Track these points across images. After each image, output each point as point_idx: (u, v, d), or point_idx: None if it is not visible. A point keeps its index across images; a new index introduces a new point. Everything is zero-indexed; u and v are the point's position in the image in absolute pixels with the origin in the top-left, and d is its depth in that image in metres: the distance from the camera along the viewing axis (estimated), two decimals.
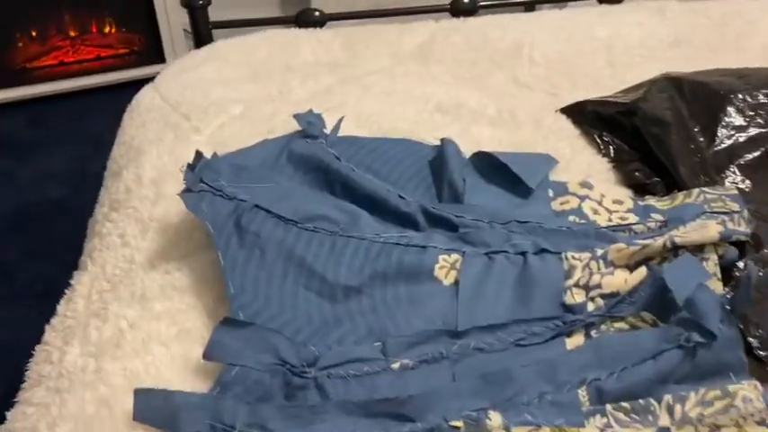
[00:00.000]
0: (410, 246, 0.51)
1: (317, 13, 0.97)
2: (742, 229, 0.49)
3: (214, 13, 1.01)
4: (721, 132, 0.63)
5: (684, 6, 0.90)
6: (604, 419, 0.41)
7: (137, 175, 0.59)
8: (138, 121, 0.69)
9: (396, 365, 0.43)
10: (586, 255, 0.49)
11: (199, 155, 0.52)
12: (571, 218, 0.55)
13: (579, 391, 0.42)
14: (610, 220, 0.54)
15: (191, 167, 0.51)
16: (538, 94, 0.76)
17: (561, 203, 0.56)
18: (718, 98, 0.64)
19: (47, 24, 1.80)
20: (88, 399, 0.41)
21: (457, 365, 0.44)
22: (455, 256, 0.50)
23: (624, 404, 0.41)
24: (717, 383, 0.41)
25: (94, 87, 1.86)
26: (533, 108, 0.71)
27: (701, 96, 0.65)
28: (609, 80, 0.77)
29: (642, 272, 0.47)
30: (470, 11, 0.99)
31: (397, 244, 0.51)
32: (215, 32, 0.99)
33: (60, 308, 0.51)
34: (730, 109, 0.63)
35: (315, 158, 0.57)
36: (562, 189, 0.58)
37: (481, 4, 1.01)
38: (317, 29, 0.90)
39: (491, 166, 0.59)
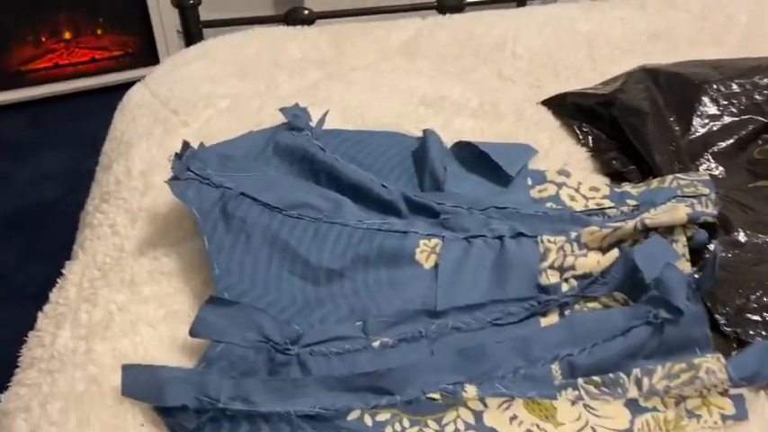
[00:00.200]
0: (392, 231, 0.53)
1: (305, 12, 0.99)
2: (709, 210, 0.50)
3: (207, 13, 1.03)
4: (696, 121, 0.64)
5: (666, 1, 0.92)
6: (576, 392, 0.42)
7: (126, 168, 0.60)
8: (129, 116, 0.71)
9: (376, 344, 0.45)
10: (561, 238, 0.51)
11: (186, 145, 0.53)
12: (548, 204, 0.56)
13: (552, 366, 0.43)
14: (586, 206, 0.56)
15: (178, 157, 0.52)
16: (520, 87, 0.77)
17: (539, 191, 0.58)
18: (694, 88, 0.66)
19: (41, 27, 1.81)
20: (78, 377, 0.43)
21: (435, 344, 0.46)
22: (435, 240, 0.52)
23: (595, 378, 0.43)
24: (683, 358, 0.43)
25: (90, 89, 1.88)
26: (515, 100, 0.72)
27: (677, 87, 0.66)
28: (590, 73, 0.78)
29: (614, 253, 0.49)
30: (457, 8, 1.01)
31: (380, 230, 0.53)
32: (206, 32, 1.00)
33: (53, 296, 0.53)
34: (705, 98, 0.65)
35: (300, 149, 0.58)
36: (541, 177, 0.59)
37: (468, 0, 1.03)
38: (305, 26, 0.91)
39: (472, 156, 0.61)
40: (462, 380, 0.42)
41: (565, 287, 0.49)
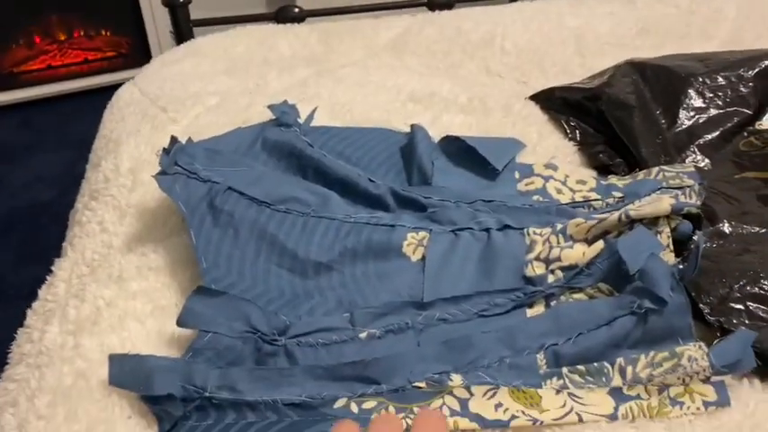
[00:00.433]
0: (379, 225, 0.53)
1: (296, 10, 0.99)
2: (693, 201, 0.51)
3: (198, 12, 1.03)
4: (682, 114, 0.65)
5: None
6: (560, 381, 0.43)
7: (115, 165, 0.60)
8: (118, 115, 0.71)
9: (363, 335, 0.45)
10: (547, 230, 0.51)
11: (174, 140, 0.53)
12: (535, 197, 0.57)
13: (537, 355, 0.44)
14: (573, 199, 0.56)
15: (166, 152, 0.52)
16: (508, 82, 0.78)
17: (526, 184, 0.58)
18: (680, 81, 0.66)
19: (34, 29, 1.81)
20: (66, 372, 0.43)
21: (422, 335, 0.46)
22: (423, 233, 0.52)
23: (580, 367, 0.43)
24: (666, 347, 0.43)
25: (83, 90, 1.88)
26: (503, 96, 0.73)
27: (664, 79, 0.67)
28: (578, 68, 0.79)
29: (599, 245, 0.49)
30: (447, 5, 1.01)
31: (367, 223, 0.53)
32: (196, 30, 1.01)
33: (42, 292, 0.53)
34: (691, 91, 0.66)
35: (288, 145, 0.59)
36: (528, 171, 0.60)
37: None
38: (295, 24, 0.92)
39: (459, 150, 0.61)
40: (448, 369, 0.43)
41: (551, 278, 0.49)
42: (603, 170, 0.63)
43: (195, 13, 1.02)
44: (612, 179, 0.58)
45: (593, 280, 0.48)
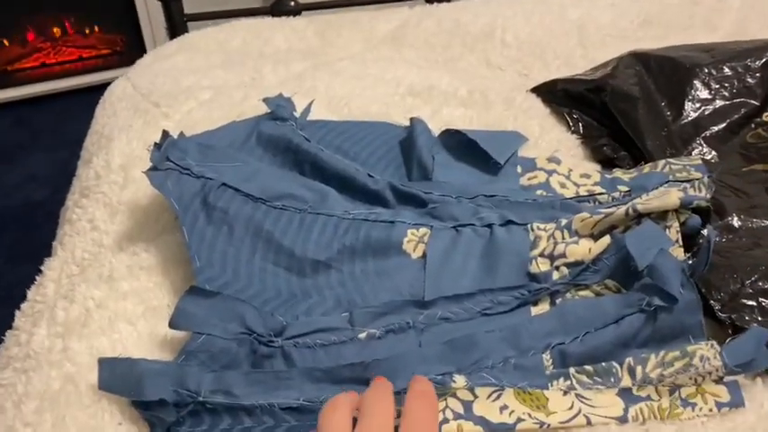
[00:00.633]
0: (379, 221, 0.51)
1: (292, 3, 0.98)
2: (702, 194, 0.49)
3: (193, 6, 1.01)
4: (688, 106, 0.63)
5: None
6: (568, 382, 0.41)
7: (106, 162, 0.59)
8: (110, 110, 0.69)
9: (362, 335, 0.44)
10: (551, 225, 0.50)
11: (165, 134, 0.52)
12: (539, 192, 0.55)
13: (543, 355, 0.42)
14: (577, 193, 0.55)
15: (157, 147, 0.51)
16: (509, 75, 0.76)
17: (529, 179, 0.57)
18: (685, 72, 0.65)
19: (28, 26, 1.79)
20: (54, 376, 0.42)
21: (423, 335, 0.44)
22: (423, 230, 0.51)
23: (587, 367, 0.42)
24: (677, 346, 0.41)
25: (77, 88, 1.86)
26: (504, 89, 0.71)
27: (668, 71, 0.65)
28: (580, 60, 0.77)
29: (606, 240, 0.48)
30: None
31: (366, 220, 0.51)
32: (190, 25, 0.99)
33: (30, 293, 0.51)
34: (696, 82, 0.64)
35: (284, 139, 0.57)
36: (531, 165, 0.58)
37: None
38: (291, 17, 0.90)
39: (460, 144, 0.59)
40: (451, 370, 0.41)
41: (556, 275, 0.47)
42: (608, 163, 0.61)
43: (189, 7, 1.00)
44: (617, 173, 0.57)
45: (600, 276, 0.46)
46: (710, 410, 0.40)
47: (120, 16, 1.84)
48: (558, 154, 0.60)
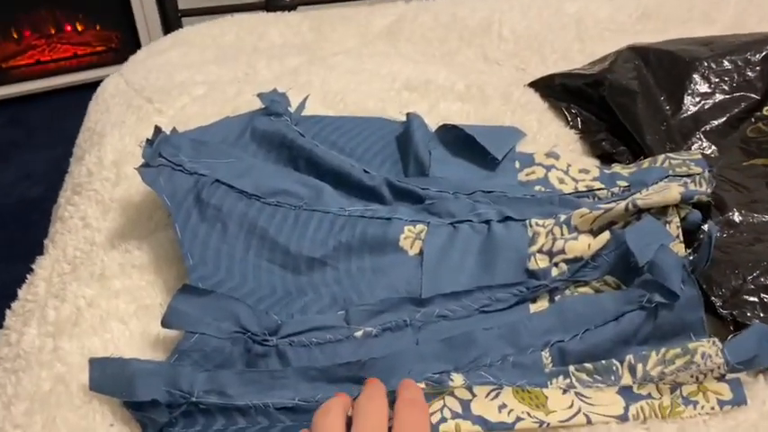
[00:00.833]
0: (375, 218, 0.51)
1: None
2: (703, 189, 0.49)
3: (188, 2, 1.00)
4: (687, 100, 0.63)
5: None
6: (567, 380, 0.41)
7: (98, 158, 0.58)
8: (103, 106, 0.68)
9: (359, 333, 0.43)
10: (550, 221, 0.49)
11: (158, 130, 0.51)
12: (537, 187, 0.54)
13: (542, 353, 0.42)
14: (576, 188, 0.54)
15: (149, 143, 0.50)
16: (507, 69, 0.75)
17: (527, 174, 0.56)
18: (684, 65, 0.64)
19: (22, 23, 1.78)
20: (44, 377, 0.41)
21: (420, 332, 0.44)
22: (420, 226, 0.50)
23: (587, 365, 0.41)
24: (678, 343, 0.41)
25: (73, 86, 1.85)
26: (502, 83, 0.70)
27: (667, 64, 0.65)
28: (578, 55, 0.76)
29: (605, 236, 0.47)
30: None
31: (362, 216, 0.51)
32: (185, 21, 0.98)
33: (21, 292, 0.51)
34: (696, 76, 0.63)
35: (278, 135, 0.56)
36: (529, 160, 0.57)
37: None
38: (286, 12, 0.89)
39: (457, 139, 0.59)
40: (449, 368, 0.41)
41: (555, 272, 0.47)
42: (606, 159, 0.60)
43: (184, 2, 1.00)
44: (616, 168, 0.56)
45: (600, 273, 0.46)
46: (712, 409, 0.39)
47: (115, 13, 1.83)
48: (556, 149, 0.60)
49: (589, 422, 0.39)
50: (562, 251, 0.47)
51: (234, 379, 0.39)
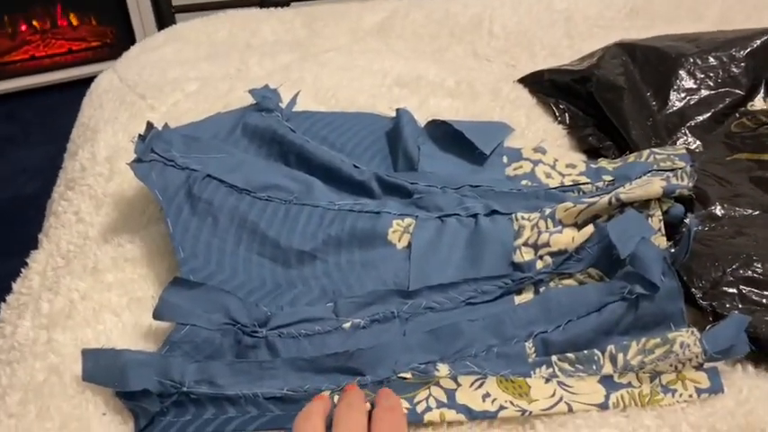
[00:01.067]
0: (364, 212, 0.52)
1: None
2: (684, 183, 0.50)
3: None
4: (673, 95, 0.64)
5: None
6: (550, 369, 0.41)
7: (91, 154, 0.59)
8: (97, 102, 0.69)
9: (347, 325, 0.44)
10: (535, 215, 0.50)
11: (150, 126, 0.52)
12: (524, 182, 0.55)
13: (526, 343, 0.43)
14: (562, 183, 0.55)
15: (142, 138, 0.51)
16: (497, 65, 0.76)
17: (515, 169, 0.57)
18: (670, 62, 0.65)
19: (16, 18, 1.78)
20: (38, 368, 0.42)
21: (407, 324, 0.45)
22: (408, 220, 0.51)
23: (569, 355, 0.42)
24: (658, 333, 0.42)
25: (67, 81, 1.85)
26: (491, 79, 0.71)
27: (654, 60, 0.65)
28: (567, 51, 0.77)
29: (589, 229, 0.48)
30: None
31: (352, 210, 0.52)
32: (179, 17, 0.99)
33: (16, 286, 0.51)
34: (682, 72, 0.64)
35: (269, 130, 0.57)
36: (516, 155, 0.58)
37: None
38: (279, 8, 0.89)
39: (446, 134, 0.59)
40: (435, 359, 0.41)
41: (539, 264, 0.48)
42: (593, 153, 0.61)
43: None
44: (602, 162, 0.57)
45: (583, 265, 0.47)
46: (690, 396, 0.40)
47: (110, 8, 1.83)
48: (544, 144, 0.60)
49: (570, 410, 0.40)
50: (547, 244, 0.48)
51: (224, 369, 0.40)
